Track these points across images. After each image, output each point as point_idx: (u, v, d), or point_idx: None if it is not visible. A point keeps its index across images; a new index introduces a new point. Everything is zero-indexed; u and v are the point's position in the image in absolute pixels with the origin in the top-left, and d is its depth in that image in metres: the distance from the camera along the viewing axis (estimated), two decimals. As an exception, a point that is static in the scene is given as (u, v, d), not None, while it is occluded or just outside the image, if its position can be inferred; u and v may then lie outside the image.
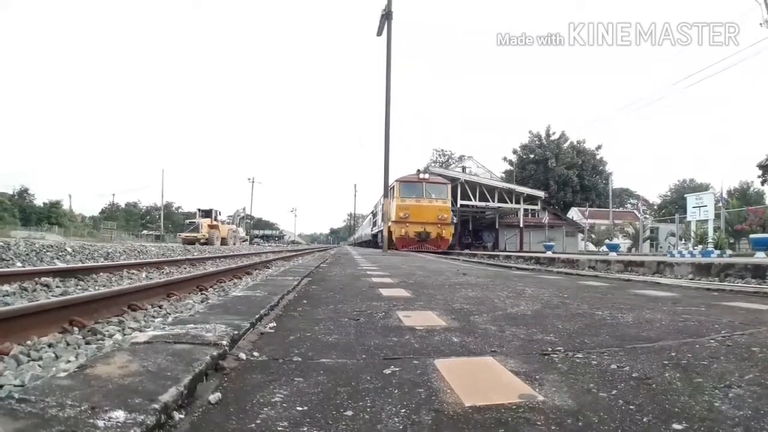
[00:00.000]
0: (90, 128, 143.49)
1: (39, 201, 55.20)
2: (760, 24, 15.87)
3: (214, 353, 1.29)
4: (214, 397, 1.07)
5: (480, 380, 1.27)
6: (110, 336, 2.50)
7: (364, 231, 40.62)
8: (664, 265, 6.18)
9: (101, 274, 5.68)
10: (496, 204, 30.55)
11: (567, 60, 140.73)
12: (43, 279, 4.66)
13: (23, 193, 54.61)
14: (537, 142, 50.91)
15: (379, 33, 15.70)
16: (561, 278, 4.95)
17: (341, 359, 1.45)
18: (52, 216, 50.71)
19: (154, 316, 3.22)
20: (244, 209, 46.78)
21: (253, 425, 0.94)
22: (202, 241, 28.24)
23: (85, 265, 6.70)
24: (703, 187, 42.53)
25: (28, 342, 2.29)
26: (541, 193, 33.25)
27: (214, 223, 31.02)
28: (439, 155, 61.08)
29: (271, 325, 1.95)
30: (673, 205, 44.54)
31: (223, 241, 30.60)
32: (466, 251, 20.82)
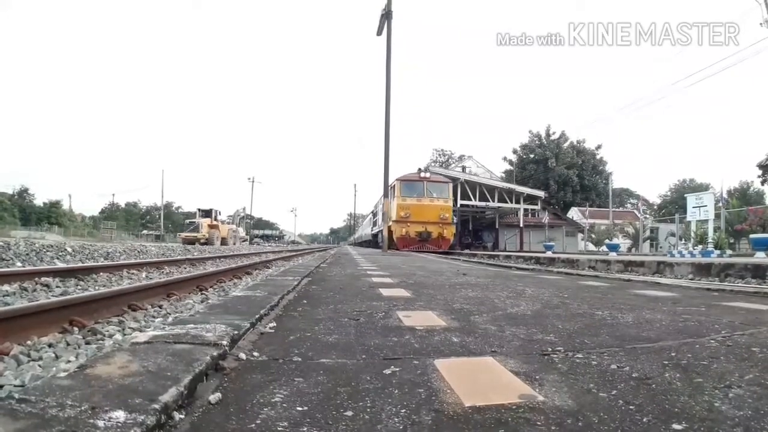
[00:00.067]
0: (90, 128, 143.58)
1: (39, 201, 55.28)
2: (760, 24, 15.88)
3: (214, 353, 1.29)
4: (214, 397, 1.07)
5: (480, 380, 1.27)
6: (110, 336, 2.50)
7: (364, 231, 40.60)
8: (664, 265, 6.18)
9: (101, 274, 5.68)
10: (496, 204, 30.54)
11: (567, 60, 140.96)
12: (43, 279, 4.66)
13: (23, 193, 54.62)
14: (537, 142, 50.91)
15: (379, 33, 15.70)
16: (561, 278, 4.95)
17: (341, 359, 1.45)
18: (52, 216, 50.71)
19: (154, 316, 3.22)
20: (244, 209, 46.84)
21: (253, 425, 0.94)
22: (202, 241, 28.24)
23: (85, 265, 6.70)
24: (703, 187, 42.53)
25: (28, 342, 2.29)
26: (541, 193, 33.25)
27: (214, 223, 31.03)
28: (439, 155, 61.15)
29: (271, 325, 1.95)
30: (673, 205, 44.55)
31: (223, 241, 30.61)
32: (466, 251, 20.82)
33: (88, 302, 3.01)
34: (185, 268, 8.07)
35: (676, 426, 0.93)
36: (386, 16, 15.28)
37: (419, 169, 23.01)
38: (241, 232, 38.48)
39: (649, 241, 27.88)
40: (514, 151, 51.44)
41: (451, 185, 23.32)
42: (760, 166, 27.00)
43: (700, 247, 13.58)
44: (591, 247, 31.02)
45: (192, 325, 1.62)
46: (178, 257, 10.02)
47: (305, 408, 1.03)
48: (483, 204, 30.11)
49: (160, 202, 59.22)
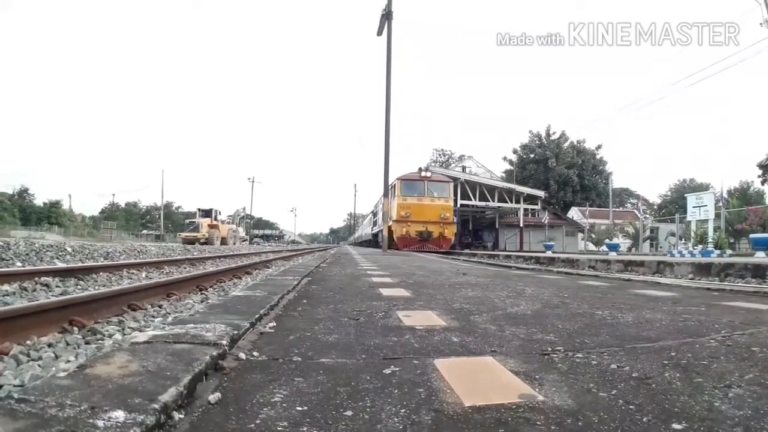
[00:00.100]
0: (90, 128, 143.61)
1: (39, 201, 55.27)
2: (760, 24, 15.89)
3: (214, 353, 1.29)
4: (213, 397, 1.07)
5: (480, 380, 1.27)
6: (110, 336, 2.50)
7: (365, 231, 40.60)
8: (664, 264, 6.18)
9: (101, 273, 5.68)
10: (496, 204, 30.53)
11: (567, 60, 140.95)
12: (42, 279, 4.66)
13: (23, 193, 54.61)
14: (537, 142, 50.91)
15: (380, 33, 15.70)
16: (561, 278, 4.95)
17: (341, 359, 1.45)
18: (52, 216, 50.71)
19: (153, 316, 3.22)
20: (244, 209, 46.84)
21: (253, 425, 0.94)
22: (202, 240, 28.25)
23: (84, 264, 6.70)
24: (703, 187, 42.55)
25: (28, 342, 2.29)
26: (541, 193, 33.24)
27: (214, 222, 31.05)
28: (439, 155, 61.14)
29: (271, 324, 1.95)
30: (673, 205, 44.58)
31: (223, 241, 30.62)
32: (466, 251, 20.79)
33: (87, 302, 3.01)
34: (185, 268, 8.07)
35: (676, 426, 0.93)
36: (386, 16, 15.28)
37: (420, 168, 22.87)
38: (241, 231, 38.50)
39: (649, 241, 27.87)
40: (514, 151, 51.50)
41: (452, 184, 23.24)
42: (760, 166, 27.01)
43: (700, 246, 13.57)
44: (591, 246, 31.01)
45: (192, 325, 1.62)
46: (178, 257, 10.01)
47: (305, 408, 1.03)
48: (483, 204, 30.08)
49: (160, 202, 59.33)
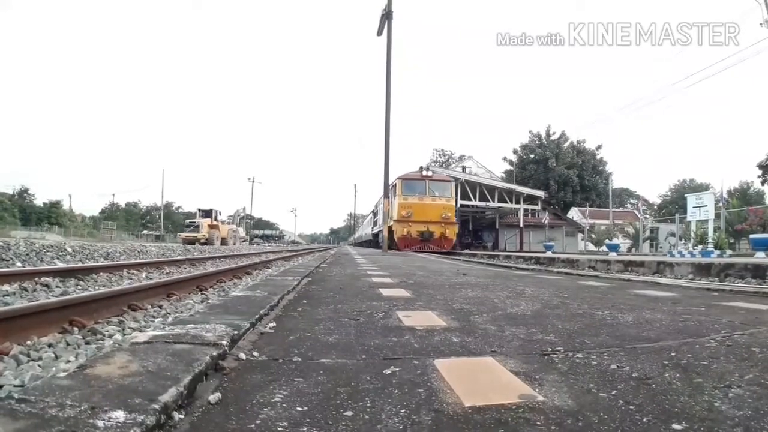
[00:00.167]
0: (90, 128, 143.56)
1: (39, 201, 55.26)
2: (760, 24, 15.88)
3: (214, 353, 1.29)
4: (214, 397, 1.07)
5: (480, 380, 1.27)
6: (110, 336, 2.50)
7: (365, 231, 40.60)
8: (664, 265, 6.18)
9: (101, 274, 5.68)
10: (496, 204, 30.51)
11: (567, 60, 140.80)
12: (43, 279, 4.66)
13: (23, 193, 54.61)
14: (537, 142, 50.92)
15: (380, 33, 15.71)
16: (561, 278, 4.95)
17: (341, 359, 1.45)
18: (52, 216, 50.71)
19: (154, 316, 3.22)
20: (244, 209, 46.82)
21: (253, 425, 0.94)
22: (202, 241, 28.24)
23: (85, 265, 6.70)
24: (703, 187, 42.52)
25: (28, 342, 2.29)
26: (541, 193, 33.23)
27: (214, 223, 31.03)
28: (439, 155, 61.19)
29: (271, 325, 1.95)
30: (673, 205, 44.56)
31: (223, 241, 30.61)
32: (466, 251, 20.74)
33: (87, 302, 3.01)
34: (185, 268, 8.07)
35: (676, 426, 0.93)
36: (386, 16, 15.29)
37: (421, 167, 22.59)
38: (241, 232, 38.47)
39: (649, 241, 27.87)
40: (515, 151, 51.52)
41: (453, 184, 23.06)
42: (760, 166, 26.99)
43: (700, 247, 13.57)
44: (591, 247, 31.03)
45: (192, 325, 1.62)
46: (178, 257, 10.02)
47: (305, 408, 1.03)
48: (483, 204, 30.05)
49: (160, 202, 59.31)
